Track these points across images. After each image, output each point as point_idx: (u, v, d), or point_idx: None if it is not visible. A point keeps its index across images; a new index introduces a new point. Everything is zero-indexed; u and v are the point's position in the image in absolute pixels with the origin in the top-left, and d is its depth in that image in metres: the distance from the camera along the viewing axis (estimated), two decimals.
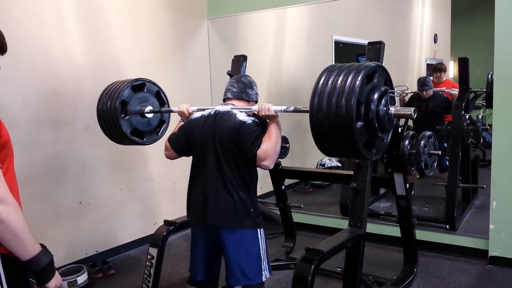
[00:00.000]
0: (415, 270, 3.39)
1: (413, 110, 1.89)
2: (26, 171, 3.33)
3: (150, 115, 2.90)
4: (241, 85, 2.42)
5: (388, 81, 2.00)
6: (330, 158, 6.39)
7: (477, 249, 3.66)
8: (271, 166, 2.20)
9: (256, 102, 2.50)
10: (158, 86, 2.98)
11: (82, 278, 3.38)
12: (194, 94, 4.69)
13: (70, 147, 3.66)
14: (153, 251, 2.74)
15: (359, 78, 1.77)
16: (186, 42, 4.66)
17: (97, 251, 3.91)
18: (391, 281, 3.26)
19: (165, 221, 2.87)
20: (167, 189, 4.51)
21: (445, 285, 3.25)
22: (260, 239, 2.34)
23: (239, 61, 3.48)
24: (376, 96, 1.84)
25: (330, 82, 1.83)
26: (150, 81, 2.95)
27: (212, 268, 2.52)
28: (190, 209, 2.43)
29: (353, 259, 2.56)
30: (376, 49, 2.60)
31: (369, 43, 2.65)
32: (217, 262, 2.57)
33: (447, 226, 4.04)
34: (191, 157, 2.49)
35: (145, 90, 2.90)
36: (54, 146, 3.55)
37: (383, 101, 1.85)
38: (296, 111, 2.18)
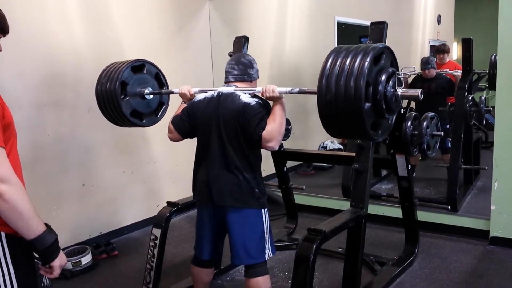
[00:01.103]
0: (416, 250, 3.42)
1: (420, 91, 1.88)
2: (29, 154, 3.34)
3: (150, 97, 2.88)
4: (241, 66, 2.40)
5: (394, 62, 1.99)
6: (332, 140, 6.40)
7: (479, 229, 3.69)
8: (276, 147, 2.20)
9: (258, 78, 2.48)
10: (157, 68, 2.96)
11: (86, 259, 3.42)
12: (195, 76, 4.67)
13: (73, 130, 3.67)
14: (157, 232, 2.75)
15: (368, 60, 1.76)
16: (187, 23, 4.62)
17: (100, 233, 3.94)
18: (392, 261, 3.29)
19: (168, 202, 2.89)
20: (170, 172, 4.53)
21: (446, 265, 3.28)
22: (264, 219, 2.36)
23: (241, 42, 3.45)
24: (384, 77, 1.83)
25: (338, 63, 1.81)
26: (149, 63, 2.92)
27: (217, 248, 2.55)
28: (196, 189, 2.45)
29: (355, 239, 2.58)
30: (379, 29, 2.58)
31: (372, 23, 2.62)
32: (221, 242, 2.59)
33: (449, 207, 4.05)
34: (194, 139, 2.49)
35: (144, 72, 2.88)
36: (57, 129, 3.56)
37: (390, 82, 1.85)
38: (301, 92, 2.16)
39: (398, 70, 1.99)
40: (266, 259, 2.37)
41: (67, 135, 3.63)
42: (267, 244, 2.37)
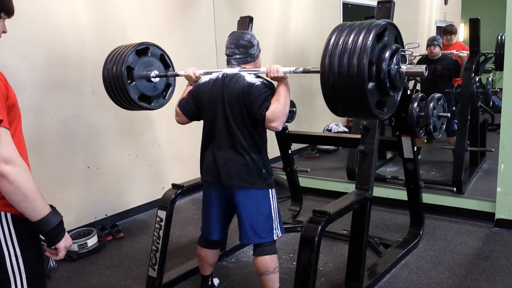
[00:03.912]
0: (421, 232, 3.42)
1: (424, 67, 1.86)
2: (34, 136, 3.35)
3: (156, 80, 2.88)
4: (242, 49, 2.37)
5: (398, 38, 1.96)
6: (337, 123, 6.37)
7: (484, 212, 3.67)
8: (280, 128, 2.20)
9: (260, 52, 2.45)
10: (162, 49, 2.95)
11: (92, 241, 3.44)
12: (199, 57, 4.64)
13: (77, 112, 3.66)
14: (162, 214, 2.76)
15: (370, 37, 1.73)
16: (191, 3, 4.57)
17: (106, 215, 3.96)
18: (397, 243, 3.29)
19: (173, 185, 2.89)
20: (174, 154, 4.53)
21: (451, 247, 3.28)
22: (271, 199, 2.37)
23: (245, 22, 3.40)
24: (387, 54, 1.80)
25: (341, 41, 1.79)
26: (153, 45, 2.91)
27: (225, 229, 2.57)
28: (203, 170, 2.45)
29: (360, 221, 2.58)
30: (386, 8, 2.54)
31: (378, 2, 2.59)
32: (228, 223, 2.60)
33: (454, 189, 4.04)
34: (199, 122, 2.49)
35: (149, 54, 2.87)
36: (61, 111, 3.55)
37: (394, 59, 1.82)
38: (305, 71, 2.15)
39: (403, 46, 1.96)
40: (275, 238, 2.39)
41: (72, 117, 3.63)
42: (275, 224, 2.39)
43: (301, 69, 2.16)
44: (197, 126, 2.48)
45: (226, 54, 2.43)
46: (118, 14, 3.88)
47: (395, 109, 2.11)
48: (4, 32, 1.52)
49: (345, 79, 1.75)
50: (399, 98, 2.06)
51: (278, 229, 2.40)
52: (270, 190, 2.37)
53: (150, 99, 2.91)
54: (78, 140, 3.69)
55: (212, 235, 2.51)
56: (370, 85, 1.77)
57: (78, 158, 3.70)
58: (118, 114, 3.74)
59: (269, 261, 2.37)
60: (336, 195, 3.61)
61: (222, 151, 2.32)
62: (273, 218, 2.38)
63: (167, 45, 3.19)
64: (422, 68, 1.86)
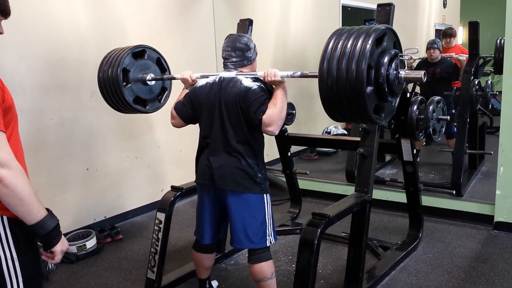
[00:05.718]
0: (420, 235, 3.41)
1: (423, 73, 1.85)
2: (32, 138, 3.34)
3: (152, 83, 2.86)
4: (239, 52, 2.37)
5: (397, 43, 1.95)
6: (336, 125, 6.37)
7: (483, 214, 3.67)
8: (276, 132, 2.19)
9: (257, 55, 2.45)
10: (158, 53, 2.94)
11: (91, 243, 3.44)
12: (198, 59, 4.64)
13: (76, 114, 3.66)
14: (161, 216, 2.76)
15: (369, 42, 1.73)
16: (191, 5, 4.57)
17: (105, 217, 3.95)
18: (396, 245, 3.29)
19: (172, 187, 2.89)
20: (173, 156, 4.53)
21: (450, 250, 3.28)
22: (266, 205, 2.35)
23: (245, 25, 3.41)
24: (386, 59, 1.80)
25: (339, 46, 1.78)
26: (150, 48, 2.90)
27: (218, 233, 2.55)
28: (197, 173, 2.45)
29: (359, 224, 2.57)
30: (386, 11, 2.54)
31: (378, 5, 2.59)
32: (223, 227, 2.59)
33: (453, 192, 4.04)
34: (197, 125, 2.48)
35: (145, 57, 2.86)
36: (60, 113, 3.55)
37: (393, 64, 1.82)
38: (303, 76, 2.14)
39: (402, 52, 1.96)
40: (268, 245, 2.37)
41: (71, 119, 3.63)
42: (269, 230, 2.37)
43: (298, 73, 2.15)
44: (196, 128, 2.47)
45: (223, 57, 2.42)
46: (117, 15, 3.88)
47: (392, 115, 2.10)
48: (0, 33, 1.51)
49: (344, 83, 1.75)
50: (396, 104, 2.05)
51: (271, 235, 2.38)
52: (265, 195, 2.35)
53: (145, 102, 2.89)
54: (77, 142, 3.69)
55: (204, 238, 2.49)
56: (369, 89, 1.77)
57: (77, 160, 3.70)
58: (117, 116, 3.71)
59: (266, 268, 2.35)
60: (335, 197, 3.61)
61: (218, 154, 2.31)
62: (267, 224, 2.35)
63: (166, 47, 3.19)
64: (420, 74, 1.86)
